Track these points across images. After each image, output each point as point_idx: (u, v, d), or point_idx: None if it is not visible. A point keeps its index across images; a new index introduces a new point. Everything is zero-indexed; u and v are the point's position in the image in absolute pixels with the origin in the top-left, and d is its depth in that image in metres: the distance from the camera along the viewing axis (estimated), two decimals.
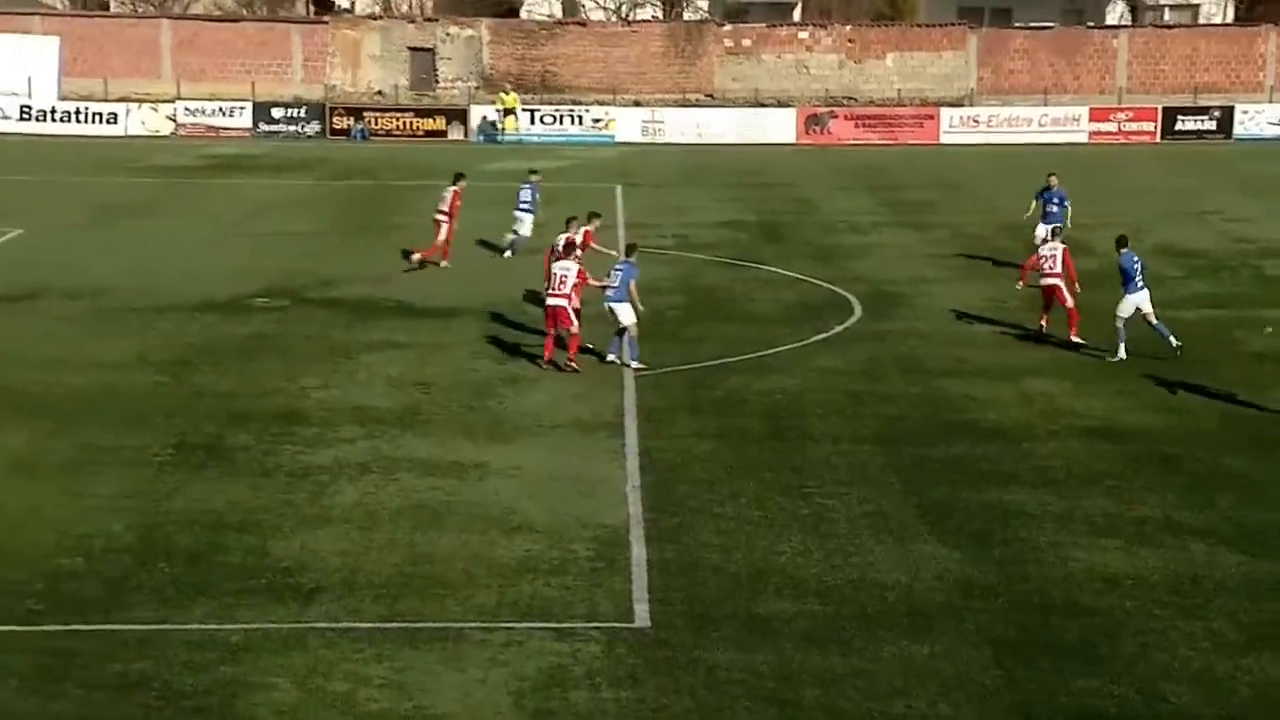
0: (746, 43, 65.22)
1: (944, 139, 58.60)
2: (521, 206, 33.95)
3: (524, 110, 58.52)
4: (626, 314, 24.39)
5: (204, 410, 22.16)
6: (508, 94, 58.69)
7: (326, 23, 65.60)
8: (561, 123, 58.30)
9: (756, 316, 28.73)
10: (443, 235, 32.44)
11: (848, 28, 66.02)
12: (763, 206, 42.71)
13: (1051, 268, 26.14)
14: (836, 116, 59.44)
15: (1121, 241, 25.73)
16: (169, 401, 22.61)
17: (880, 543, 17.37)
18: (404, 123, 58.69)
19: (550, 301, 24.43)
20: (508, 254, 33.61)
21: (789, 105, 61.68)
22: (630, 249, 25.58)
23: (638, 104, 61.41)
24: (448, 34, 64.66)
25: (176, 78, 62.52)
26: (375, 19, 66.42)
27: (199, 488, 18.86)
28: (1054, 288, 26.03)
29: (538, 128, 58.50)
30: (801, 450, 20.69)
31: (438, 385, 23.65)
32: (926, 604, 15.79)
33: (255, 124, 58.46)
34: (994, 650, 14.76)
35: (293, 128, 58.48)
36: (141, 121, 58.32)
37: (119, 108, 58.75)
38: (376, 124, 58.47)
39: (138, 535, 17.24)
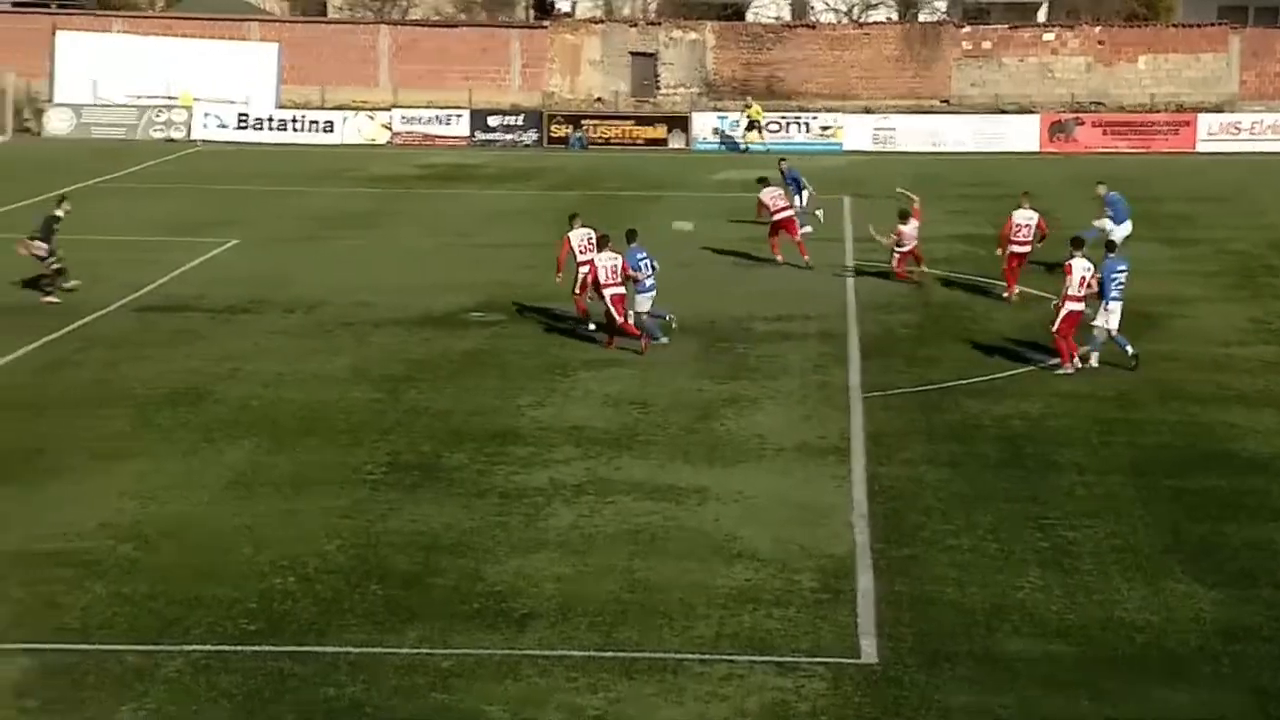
0: (987, 45, 64.40)
1: (1200, 147, 57.08)
2: (798, 187, 37.58)
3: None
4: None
5: (420, 428, 22.66)
6: (750, 106, 58.62)
7: (546, 27, 66.59)
8: (787, 130, 58.26)
9: (995, 336, 28.33)
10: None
11: (1097, 28, 64.75)
12: (1002, 219, 41.98)
13: (1026, 236, 30.89)
14: (1083, 123, 58.29)
15: (1109, 246, 26.88)
16: (385, 419, 23.15)
17: (1128, 580, 16.99)
18: (624, 130, 59.25)
19: (616, 291, 27.03)
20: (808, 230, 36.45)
21: (1031, 111, 60.70)
22: (631, 234, 28.23)
23: (868, 110, 61.05)
24: (670, 38, 65.13)
25: (393, 85, 64.09)
26: (596, 23, 67.19)
27: (413, 508, 19.28)
28: (1023, 256, 30.96)
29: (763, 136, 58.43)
30: (1043, 479, 20.34)
31: (656, 405, 23.81)
32: (1182, 648, 15.39)
33: (472, 132, 59.59)
34: (1259, 700, 14.32)
35: (510, 136, 59.46)
36: (358, 130, 59.86)
37: (335, 116, 60.41)
38: (595, 132, 59.13)
39: (351, 556, 17.69)
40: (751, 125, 57.49)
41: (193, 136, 59.42)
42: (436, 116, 60.01)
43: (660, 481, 20.26)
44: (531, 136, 59.27)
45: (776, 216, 34.29)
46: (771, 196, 34.45)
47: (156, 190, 47.24)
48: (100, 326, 29.17)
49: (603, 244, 27.66)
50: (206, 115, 59.88)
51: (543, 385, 24.98)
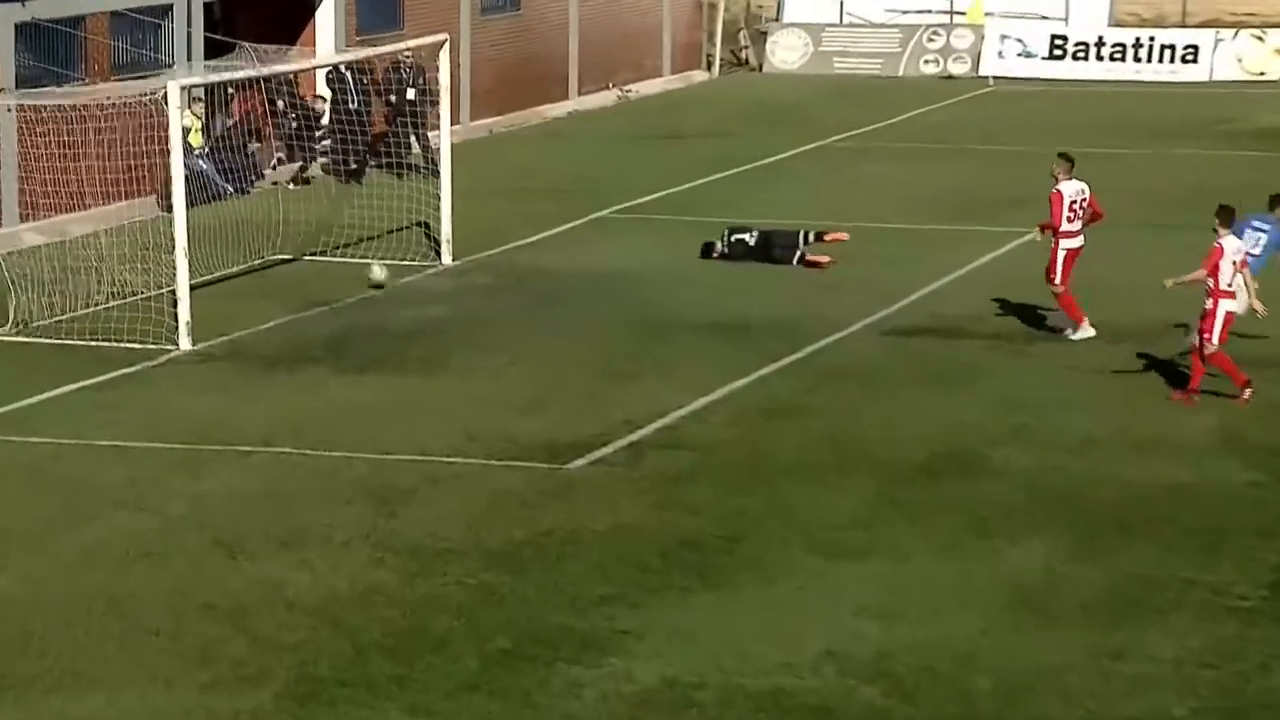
0: None
1: None
2: None
3: None
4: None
5: None
6: None
7: None
8: None
9: None
10: None
11: None
12: None
13: None
14: None
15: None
16: (1267, 512, 22.93)
17: None
18: None
19: (1230, 307, 26.85)
20: None
21: None
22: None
23: None
24: None
25: None
26: None
27: None
28: None
29: None
30: None
31: None
32: None
33: None
34: None
35: None
36: (1237, 59, 59.38)
37: (1202, 37, 60.09)
38: None
39: None
40: None
41: (983, 71, 60.66)
42: None
43: None
44: None
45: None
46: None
47: (925, 151, 48.61)
48: (836, 354, 30.06)
49: (1226, 220, 27.09)
50: (1003, 39, 61.01)
51: None
